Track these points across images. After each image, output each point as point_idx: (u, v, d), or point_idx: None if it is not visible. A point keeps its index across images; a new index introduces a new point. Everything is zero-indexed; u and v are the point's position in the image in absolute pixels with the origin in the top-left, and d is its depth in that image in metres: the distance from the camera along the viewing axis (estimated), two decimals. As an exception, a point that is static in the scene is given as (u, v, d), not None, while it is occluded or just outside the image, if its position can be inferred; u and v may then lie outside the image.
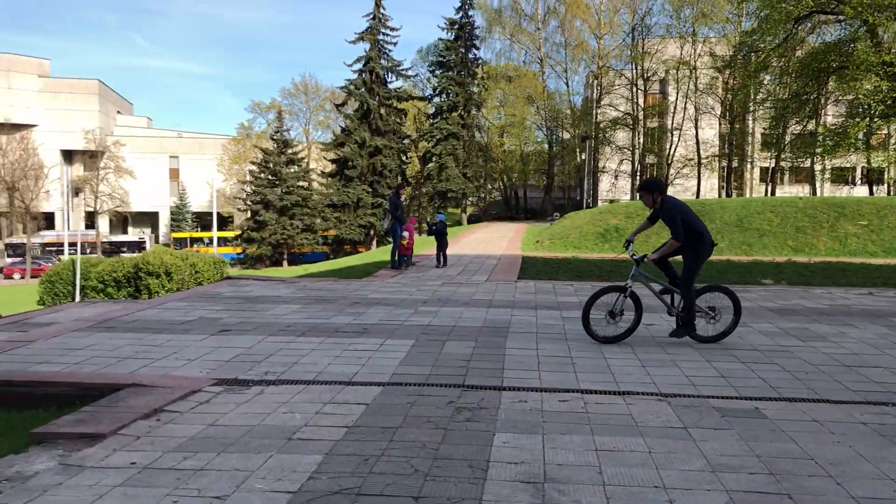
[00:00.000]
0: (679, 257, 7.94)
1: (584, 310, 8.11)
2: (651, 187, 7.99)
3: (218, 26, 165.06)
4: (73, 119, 79.62)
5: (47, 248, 69.31)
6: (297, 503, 3.81)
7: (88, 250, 67.50)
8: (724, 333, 8.20)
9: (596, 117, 61.08)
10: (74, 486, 3.98)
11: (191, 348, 7.68)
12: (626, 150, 59.93)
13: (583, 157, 62.20)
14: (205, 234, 74.45)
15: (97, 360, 7.08)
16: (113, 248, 68.72)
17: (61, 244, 66.37)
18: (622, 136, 60.76)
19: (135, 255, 47.90)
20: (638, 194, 8.23)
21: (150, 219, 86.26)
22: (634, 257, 8.01)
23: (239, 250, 62.37)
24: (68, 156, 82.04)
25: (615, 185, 60.71)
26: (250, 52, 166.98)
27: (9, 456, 4.52)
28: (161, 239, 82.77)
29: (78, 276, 29.32)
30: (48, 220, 77.25)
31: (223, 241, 67.46)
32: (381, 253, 31.30)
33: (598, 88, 61.17)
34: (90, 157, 77.85)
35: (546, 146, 71.40)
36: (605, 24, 62.39)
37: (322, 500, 3.83)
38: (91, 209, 72.92)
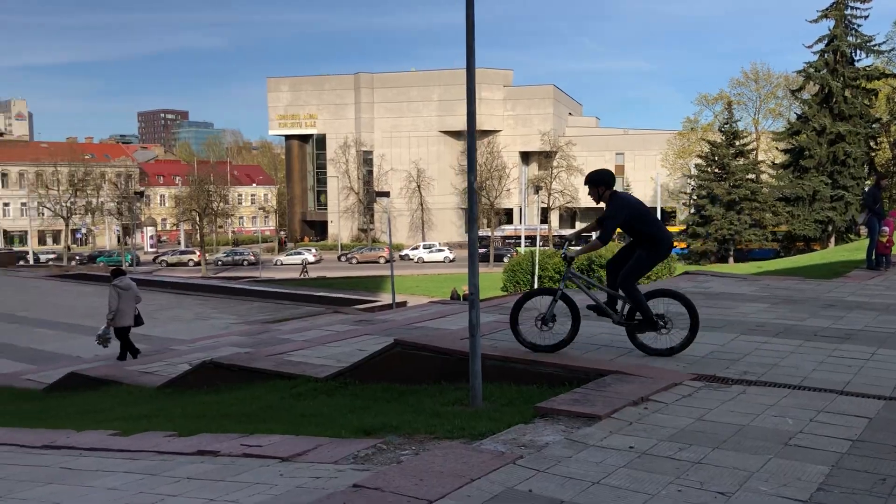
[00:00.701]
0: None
1: (511, 314, 7.25)
2: (595, 180, 7.11)
3: (663, 22, 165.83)
4: (530, 123, 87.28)
5: (506, 241, 77.02)
6: (809, 514, 3.59)
7: (541, 243, 73.44)
8: (679, 346, 6.99)
9: None
10: (583, 461, 4.30)
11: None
12: None
13: None
14: (648, 229, 75.41)
15: (578, 345, 7.58)
16: (562, 241, 73.60)
17: (518, 237, 73.32)
18: None
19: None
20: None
21: (596, 213, 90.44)
22: (563, 255, 7.30)
23: (683, 245, 61.87)
24: (525, 157, 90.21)
25: None
26: (696, 45, 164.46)
27: (519, 425, 5.06)
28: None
29: (536, 267, 32.12)
30: (507, 216, 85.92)
31: (666, 236, 67.58)
32: (843, 251, 28.22)
33: None
34: (545, 157, 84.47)
35: None
36: None
37: (838, 516, 3.55)
38: (545, 205, 79.06)
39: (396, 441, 5.10)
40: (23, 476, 5.46)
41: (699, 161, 64.09)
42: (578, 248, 7.56)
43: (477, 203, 6.34)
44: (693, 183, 64.26)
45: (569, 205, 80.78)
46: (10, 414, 9.62)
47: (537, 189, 65.08)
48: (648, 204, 75.34)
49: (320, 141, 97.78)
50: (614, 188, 7.17)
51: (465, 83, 6.07)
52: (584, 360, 6.90)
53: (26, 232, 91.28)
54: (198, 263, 74.25)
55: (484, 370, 6.52)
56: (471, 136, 6.13)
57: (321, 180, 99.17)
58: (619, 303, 7.25)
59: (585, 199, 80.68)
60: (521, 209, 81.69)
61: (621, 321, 7.19)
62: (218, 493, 4.28)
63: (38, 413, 9.37)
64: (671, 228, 69.81)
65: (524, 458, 4.35)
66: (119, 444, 6.08)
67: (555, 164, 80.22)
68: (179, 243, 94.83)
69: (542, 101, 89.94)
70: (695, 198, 62.01)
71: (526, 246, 63.18)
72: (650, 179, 79.04)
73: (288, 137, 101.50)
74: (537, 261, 31.59)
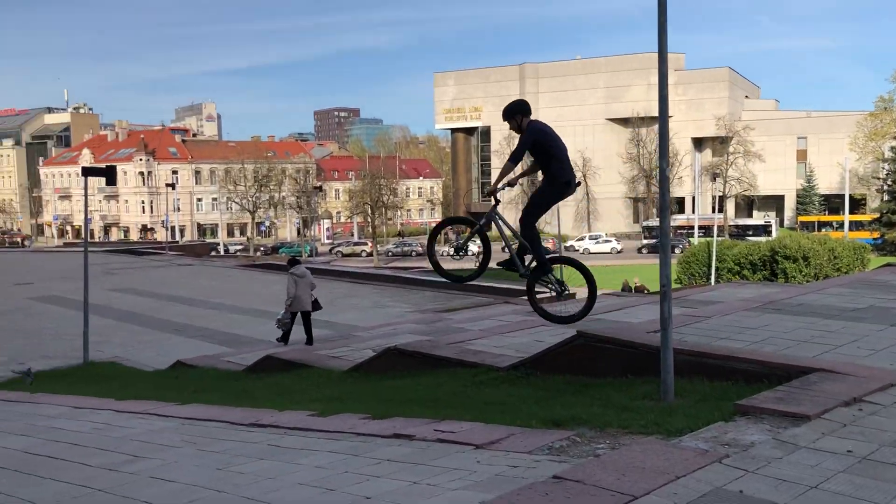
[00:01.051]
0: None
1: (430, 236, 7.66)
2: (512, 111, 7.20)
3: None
4: (703, 107, 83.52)
5: (678, 231, 74.23)
6: None
7: (715, 233, 70.22)
8: (578, 315, 7.27)
9: None
10: (795, 463, 4.05)
11: (870, 337, 7.21)
12: None
13: None
14: (834, 218, 70.21)
15: (774, 341, 7.18)
16: (738, 231, 69.98)
17: (691, 227, 70.45)
18: None
19: (760, 238, 47.76)
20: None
21: (774, 202, 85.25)
22: (488, 191, 7.45)
23: (875, 235, 57.00)
24: (698, 143, 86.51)
25: None
26: (888, 18, 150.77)
27: (720, 423, 4.84)
28: (786, 223, 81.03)
29: (713, 258, 30.72)
30: (678, 205, 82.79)
31: (855, 226, 62.58)
32: None
33: None
34: (720, 143, 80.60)
35: None
36: None
37: None
38: (719, 193, 75.51)
39: (589, 434, 5.04)
40: (236, 451, 5.90)
41: (894, 143, 58.71)
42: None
43: (668, 192, 6.13)
44: (888, 167, 59.01)
45: (746, 192, 76.64)
46: (218, 391, 10.47)
47: (714, 176, 62.15)
48: (834, 192, 70.47)
49: (485, 133, 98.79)
50: (531, 117, 7.26)
51: (658, 66, 5.87)
52: (783, 356, 6.51)
53: (217, 225, 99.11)
54: (370, 254, 77.35)
55: (674, 364, 6.30)
56: (663, 120, 5.93)
57: (485, 172, 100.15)
58: (529, 257, 7.42)
59: (764, 187, 76.60)
60: (693, 197, 78.41)
61: (526, 274, 7.33)
62: (419, 476, 4.42)
63: (240, 392, 10.12)
64: (860, 217, 64.57)
65: (730, 457, 4.15)
66: (318, 424, 6.43)
67: (731, 149, 76.31)
68: (353, 235, 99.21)
69: (715, 85, 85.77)
70: (889, 183, 56.92)
71: (699, 236, 60.62)
72: (837, 164, 73.29)
73: (453, 131, 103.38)
74: (714, 251, 30.21)
